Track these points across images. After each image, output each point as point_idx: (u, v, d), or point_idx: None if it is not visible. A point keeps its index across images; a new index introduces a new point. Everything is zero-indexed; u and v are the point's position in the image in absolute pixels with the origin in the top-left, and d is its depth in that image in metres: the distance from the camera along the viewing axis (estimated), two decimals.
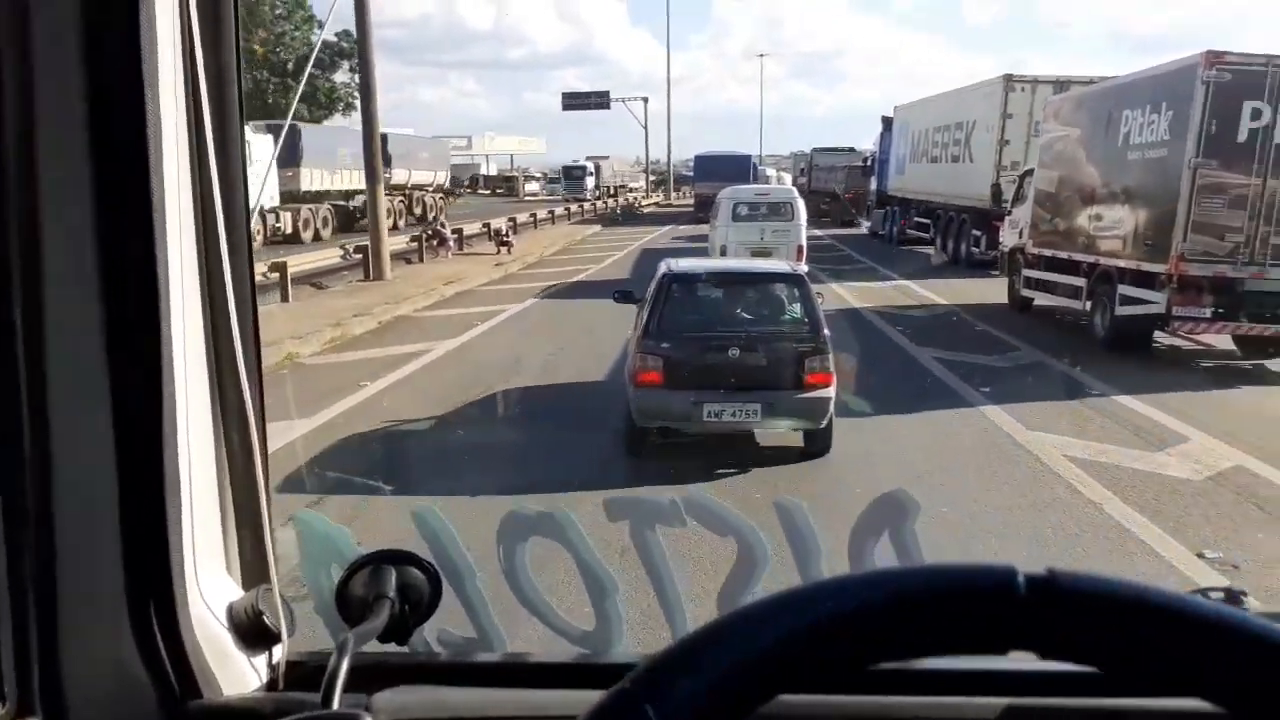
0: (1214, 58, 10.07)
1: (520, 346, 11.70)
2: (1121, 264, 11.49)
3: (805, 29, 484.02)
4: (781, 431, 7.14)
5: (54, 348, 0.88)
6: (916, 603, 0.56)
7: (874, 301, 15.28)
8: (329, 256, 18.76)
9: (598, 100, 65.04)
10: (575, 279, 18.59)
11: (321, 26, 45.71)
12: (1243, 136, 10.05)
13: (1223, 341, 11.30)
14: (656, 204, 59.62)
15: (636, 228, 36.35)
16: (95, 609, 0.93)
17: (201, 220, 0.99)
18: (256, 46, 51.74)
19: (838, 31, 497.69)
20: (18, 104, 0.85)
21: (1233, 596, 1.05)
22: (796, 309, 7.43)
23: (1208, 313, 10.31)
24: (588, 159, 71.72)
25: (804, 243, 15.79)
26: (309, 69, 50.28)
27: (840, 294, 15.52)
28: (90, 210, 0.88)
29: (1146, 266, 10.89)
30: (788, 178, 66.28)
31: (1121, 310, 11.34)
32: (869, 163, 32.71)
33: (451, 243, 23.62)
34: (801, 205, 16.52)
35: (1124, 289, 11.32)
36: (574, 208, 43.14)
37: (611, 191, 67.82)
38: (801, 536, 1.12)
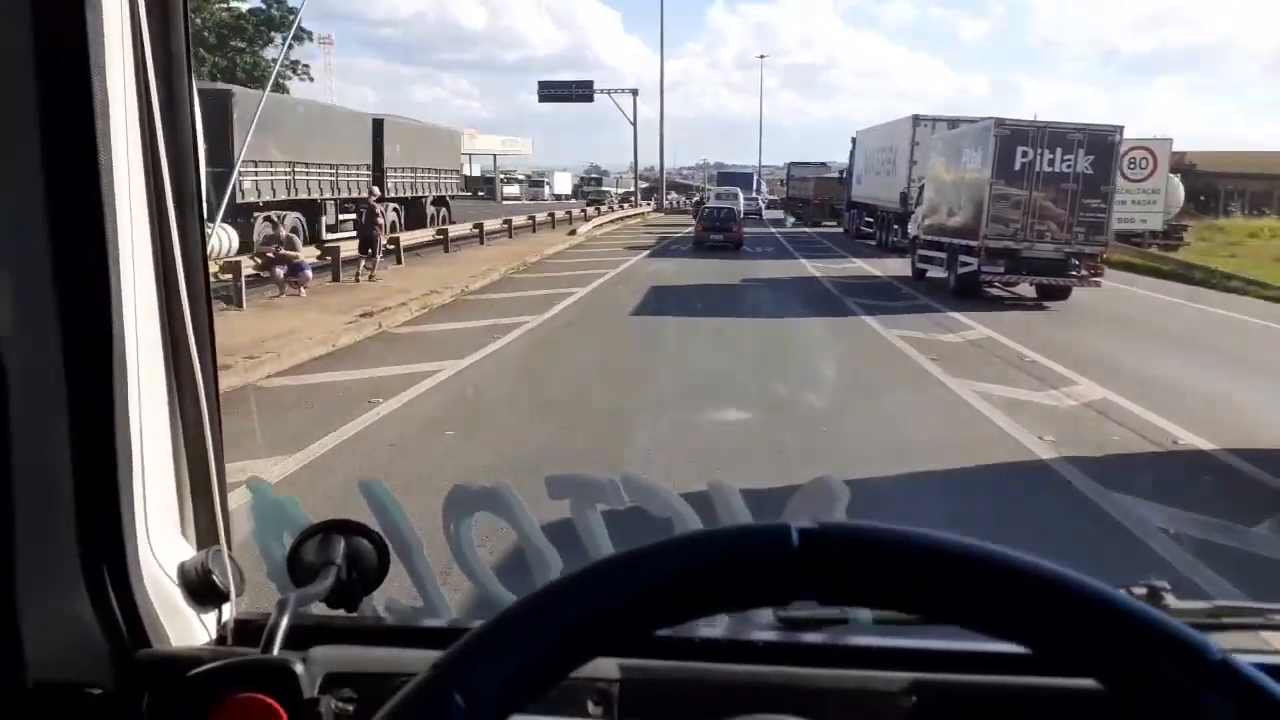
0: (999, 123, 17.57)
1: None
2: (960, 242, 18.69)
3: (798, 40, 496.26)
4: (729, 244, 28.26)
5: (7, 317, 0.91)
6: (703, 568, 0.59)
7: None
8: None
9: (580, 91, 56.09)
10: (478, 355, 11.02)
11: None
12: (1018, 167, 17.47)
13: (1030, 292, 18.71)
14: (663, 212, 52.31)
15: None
16: (52, 565, 0.98)
17: (154, 197, 1.04)
18: None
19: (830, 44, 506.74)
20: None
21: (1154, 593, 1.06)
22: (734, 213, 31.12)
23: (1002, 269, 17.66)
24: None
25: (741, 207, 38.66)
26: (289, 42, 45.33)
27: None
28: (41, 187, 0.92)
29: (970, 243, 18.16)
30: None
31: (960, 270, 18.65)
32: (843, 174, 40.68)
33: (309, 273, 15.71)
34: (742, 197, 43.88)
35: (962, 257, 18.55)
36: (562, 213, 36.93)
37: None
38: (735, 516, 1.16)
